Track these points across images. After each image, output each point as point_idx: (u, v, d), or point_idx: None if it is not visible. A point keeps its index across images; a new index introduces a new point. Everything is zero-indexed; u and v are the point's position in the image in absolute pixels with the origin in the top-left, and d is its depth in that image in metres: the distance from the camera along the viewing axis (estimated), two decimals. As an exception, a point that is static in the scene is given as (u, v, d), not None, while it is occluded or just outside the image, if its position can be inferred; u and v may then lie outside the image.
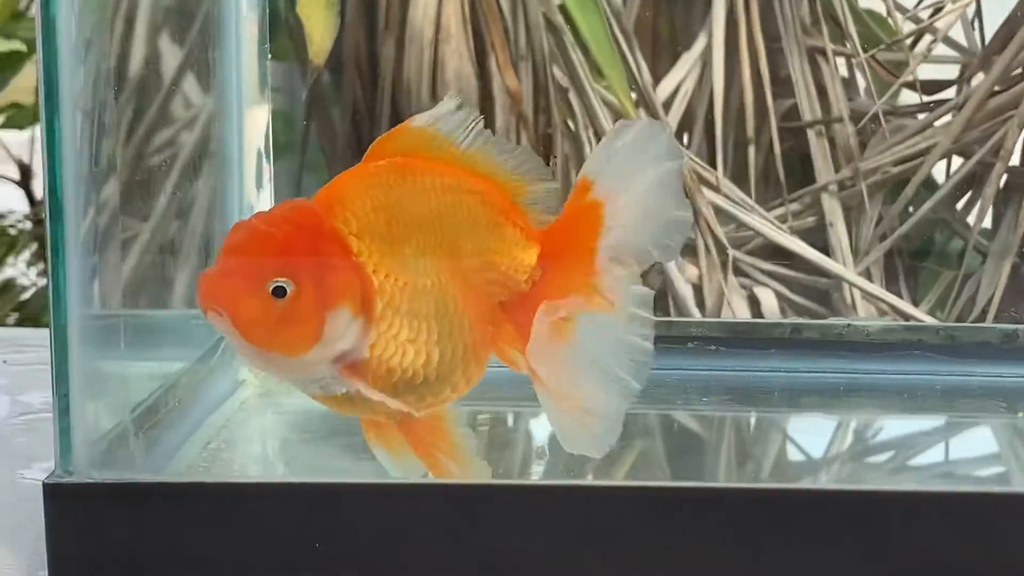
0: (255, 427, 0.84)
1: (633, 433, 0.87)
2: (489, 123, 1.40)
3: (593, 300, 0.69)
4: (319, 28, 1.09)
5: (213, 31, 0.91)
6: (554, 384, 0.68)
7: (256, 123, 0.96)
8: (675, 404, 0.89)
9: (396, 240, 0.66)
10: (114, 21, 0.77)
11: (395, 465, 0.70)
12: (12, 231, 1.65)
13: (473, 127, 0.69)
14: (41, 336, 1.07)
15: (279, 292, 0.64)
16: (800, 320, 0.96)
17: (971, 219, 1.48)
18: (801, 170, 1.52)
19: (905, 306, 1.42)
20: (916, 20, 1.47)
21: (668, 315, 1.45)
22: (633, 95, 1.41)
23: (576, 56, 1.39)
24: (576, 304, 0.68)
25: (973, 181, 1.49)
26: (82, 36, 0.69)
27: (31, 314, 1.53)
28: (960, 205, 1.51)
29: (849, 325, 0.92)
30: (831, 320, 0.90)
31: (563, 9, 1.34)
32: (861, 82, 1.51)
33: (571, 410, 0.69)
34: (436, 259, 0.67)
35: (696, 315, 1.41)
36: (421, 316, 0.66)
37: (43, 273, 1.68)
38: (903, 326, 0.92)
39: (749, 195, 1.47)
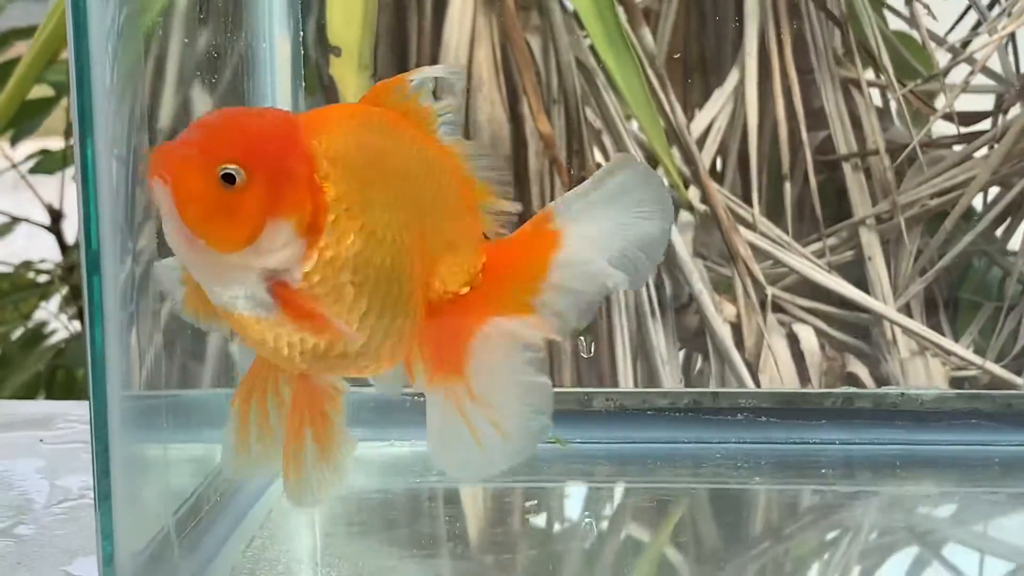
0: (298, 519, 0.81)
1: (680, 508, 0.84)
2: (522, 168, 1.38)
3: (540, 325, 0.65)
4: (351, 90, 1.06)
5: (247, 68, 0.88)
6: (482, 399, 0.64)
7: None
8: (728, 480, 0.86)
9: (367, 182, 0.62)
10: (146, 64, 0.74)
11: (235, 448, 0.64)
12: (43, 277, 1.63)
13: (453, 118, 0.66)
14: (74, 409, 1.05)
15: (228, 179, 0.58)
16: (852, 389, 0.92)
17: (1011, 246, 1.45)
18: (837, 203, 1.48)
19: (947, 343, 1.39)
20: (951, 50, 1.43)
21: (707, 354, 1.42)
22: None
23: (609, 97, 1.36)
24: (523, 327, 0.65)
25: (1012, 209, 1.46)
26: (117, 81, 0.66)
27: (66, 363, 1.51)
28: (1000, 232, 1.47)
29: (903, 394, 0.88)
30: (884, 389, 0.87)
31: (595, 51, 1.31)
32: (893, 104, 1.47)
33: (484, 428, 0.64)
34: (399, 217, 0.62)
35: (736, 358, 1.37)
36: (370, 265, 0.61)
37: (75, 317, 1.66)
38: (958, 394, 0.89)
39: (786, 230, 1.44)
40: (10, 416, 1.03)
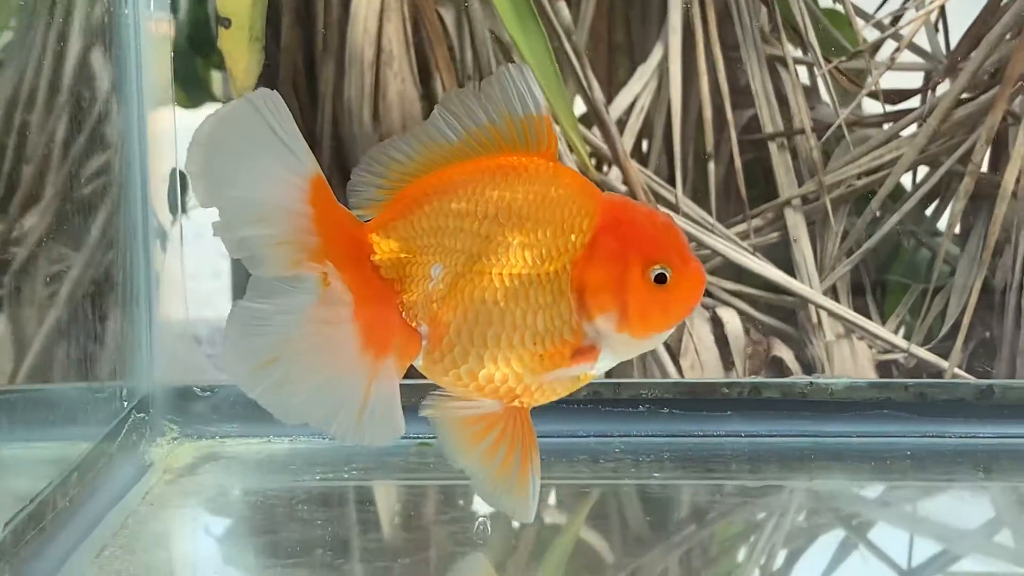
0: (158, 525, 0.73)
1: (577, 506, 0.78)
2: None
3: None
4: (240, 65, 0.98)
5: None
6: None
7: (163, 136, 0.86)
8: (628, 476, 0.79)
9: None
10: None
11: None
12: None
13: None
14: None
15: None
16: (760, 379, 0.86)
17: (940, 225, 1.39)
18: (764, 183, 1.42)
19: (872, 326, 1.32)
20: (879, 26, 1.37)
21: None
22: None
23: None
24: None
25: (940, 189, 1.40)
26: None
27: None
28: (929, 211, 1.42)
29: (812, 384, 0.82)
30: (793, 378, 0.81)
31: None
32: (824, 89, 1.41)
33: None
34: None
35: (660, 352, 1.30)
36: None
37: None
38: (869, 383, 0.82)
39: (710, 211, 1.37)
40: None
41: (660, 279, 0.65)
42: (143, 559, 0.69)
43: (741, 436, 0.82)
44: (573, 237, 0.65)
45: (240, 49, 0.97)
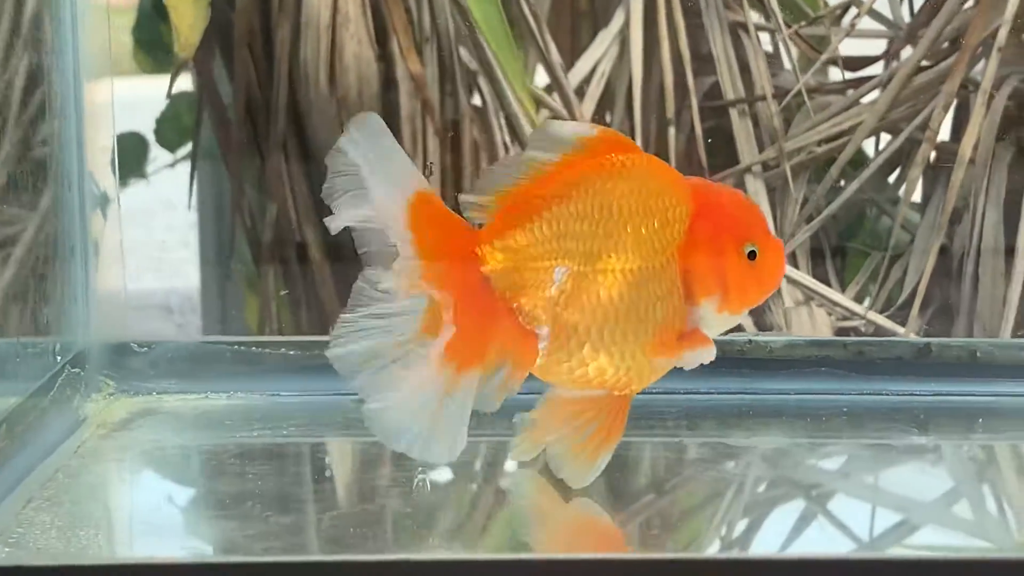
0: (90, 478, 0.73)
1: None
2: (393, 110, 1.30)
3: None
4: (186, 21, 0.97)
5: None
6: None
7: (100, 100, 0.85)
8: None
9: None
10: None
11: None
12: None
13: None
14: None
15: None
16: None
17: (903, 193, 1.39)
18: (726, 151, 1.41)
19: (830, 292, 1.33)
20: (841, -8, 1.37)
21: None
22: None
23: (484, 37, 1.28)
24: None
25: (902, 158, 1.40)
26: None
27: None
28: (892, 179, 1.42)
29: (750, 341, 0.82)
30: (731, 336, 0.81)
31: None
32: (786, 55, 1.40)
33: None
34: None
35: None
36: None
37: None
38: (808, 341, 0.82)
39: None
40: None
41: (751, 256, 0.69)
42: (71, 511, 0.68)
43: (679, 393, 0.81)
44: (676, 226, 0.68)
45: (185, 4, 0.95)
